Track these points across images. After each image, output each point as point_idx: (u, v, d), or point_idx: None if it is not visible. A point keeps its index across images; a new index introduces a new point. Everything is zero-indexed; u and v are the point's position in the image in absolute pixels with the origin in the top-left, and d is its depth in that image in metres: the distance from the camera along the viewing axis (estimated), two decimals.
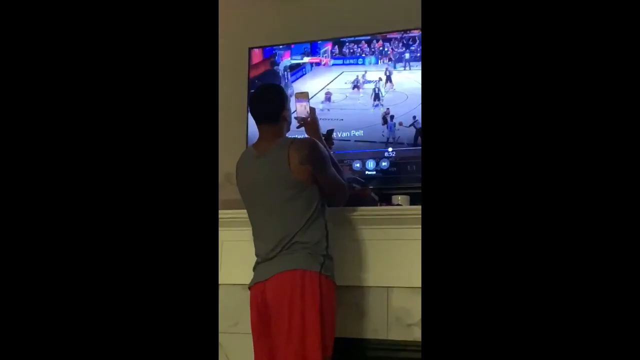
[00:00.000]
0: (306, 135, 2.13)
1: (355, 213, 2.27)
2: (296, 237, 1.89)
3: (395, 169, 2.47)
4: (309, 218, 1.91)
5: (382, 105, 2.53)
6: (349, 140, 2.53)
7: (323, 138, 2.13)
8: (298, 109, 2.08)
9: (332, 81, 2.60)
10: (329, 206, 2.06)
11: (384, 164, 2.50)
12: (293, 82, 2.64)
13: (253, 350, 1.95)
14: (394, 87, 2.49)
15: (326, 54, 2.55)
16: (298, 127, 2.18)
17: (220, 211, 2.00)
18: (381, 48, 2.48)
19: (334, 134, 2.37)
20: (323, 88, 2.60)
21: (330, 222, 2.05)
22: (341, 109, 2.57)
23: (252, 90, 2.22)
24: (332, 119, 2.58)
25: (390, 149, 2.48)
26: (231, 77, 2.63)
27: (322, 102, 2.63)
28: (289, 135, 2.11)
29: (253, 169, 1.94)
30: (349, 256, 2.26)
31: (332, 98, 2.62)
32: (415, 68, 2.41)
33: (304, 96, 2.10)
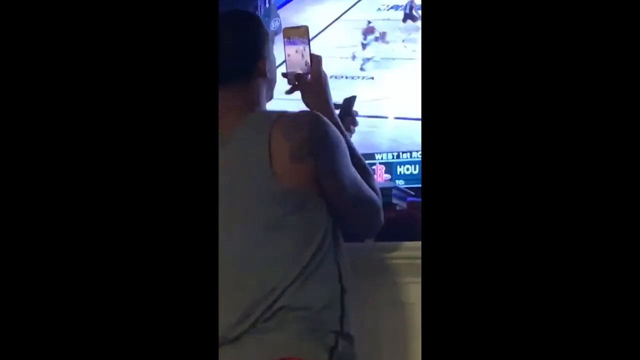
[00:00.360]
0: (304, 107, 1.60)
1: (398, 253, 1.78)
2: (284, 297, 1.40)
3: None
4: (309, 262, 1.42)
5: None
6: (386, 118, 2.16)
7: (336, 112, 1.65)
8: (290, 57, 1.60)
9: (353, 6, 2.23)
10: (349, 240, 1.54)
11: None
12: (280, 7, 2.27)
13: None
14: None
15: None
16: (289, 92, 1.63)
17: None
18: None
19: (356, 104, 1.84)
20: (338, 18, 2.22)
21: (350, 269, 1.52)
22: (372, 60, 2.22)
23: None
24: (355, 78, 2.21)
25: None
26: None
27: (345, 46, 2.24)
28: (271, 105, 1.61)
29: None
30: (386, 335, 1.81)
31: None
32: None
33: (300, 34, 1.62)
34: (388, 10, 2.18)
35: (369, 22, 2.16)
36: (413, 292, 1.74)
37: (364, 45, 2.17)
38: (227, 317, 1.40)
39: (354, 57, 2.18)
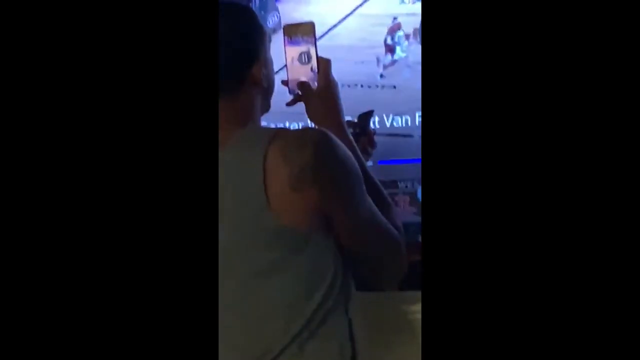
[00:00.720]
0: (310, 124, 1.46)
1: None
2: None
3: None
4: (312, 316, 1.24)
5: None
6: (411, 137, 2.07)
7: (350, 129, 1.47)
8: (292, 61, 1.41)
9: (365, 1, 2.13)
10: (364, 288, 1.37)
11: None
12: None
13: None
14: None
15: None
16: (290, 104, 1.45)
17: None
18: None
19: (374, 120, 1.89)
20: (352, 12, 2.07)
21: (365, 324, 1.36)
22: (396, 64, 2.10)
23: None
24: (374, 87, 2.09)
25: None
26: None
27: (361, 46, 2.13)
28: (268, 119, 1.43)
29: None
30: None
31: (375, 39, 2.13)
32: None
33: (304, 32, 1.43)
34: (414, 3, 2.05)
35: (395, 18, 2.02)
36: None
37: (388, 47, 2.04)
38: None
39: (378, 61, 2.03)
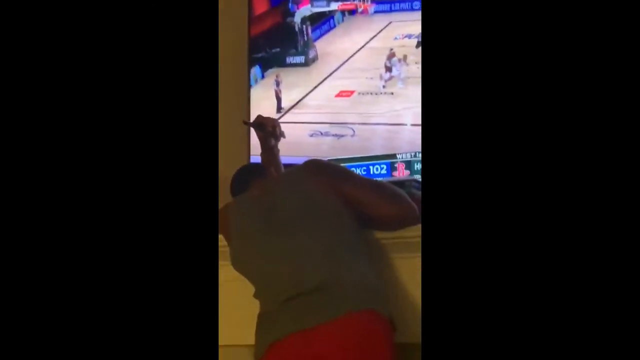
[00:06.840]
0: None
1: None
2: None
3: None
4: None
5: None
6: (406, 125, 2.27)
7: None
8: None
9: (373, 37, 2.31)
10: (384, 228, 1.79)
11: None
12: (317, 39, 2.37)
13: None
14: None
15: None
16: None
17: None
18: None
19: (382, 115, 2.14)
20: (363, 47, 2.32)
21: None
22: (393, 78, 2.32)
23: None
24: (379, 94, 2.29)
25: None
26: (227, 34, 2.08)
27: (369, 68, 2.31)
28: None
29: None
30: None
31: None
32: None
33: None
34: (403, 38, 2.27)
35: (391, 49, 2.25)
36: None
37: (387, 68, 2.26)
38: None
39: (380, 77, 2.25)
